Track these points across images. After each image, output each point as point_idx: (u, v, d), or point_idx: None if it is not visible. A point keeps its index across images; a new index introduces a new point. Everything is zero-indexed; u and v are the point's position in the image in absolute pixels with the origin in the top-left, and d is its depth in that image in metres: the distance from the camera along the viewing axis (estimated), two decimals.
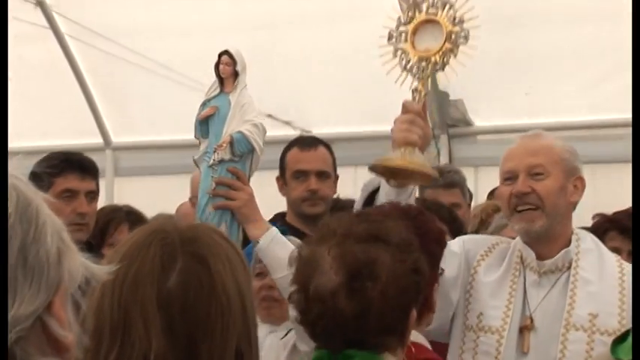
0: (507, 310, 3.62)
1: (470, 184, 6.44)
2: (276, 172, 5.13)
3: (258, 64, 7.56)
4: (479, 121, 7.48)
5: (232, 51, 4.35)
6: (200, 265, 1.87)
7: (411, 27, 3.49)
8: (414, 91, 3.41)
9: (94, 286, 1.77)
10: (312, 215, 4.83)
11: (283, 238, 3.76)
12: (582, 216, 5.75)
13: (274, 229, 3.80)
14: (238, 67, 4.21)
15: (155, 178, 8.00)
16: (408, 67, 3.44)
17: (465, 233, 4.77)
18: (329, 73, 7.49)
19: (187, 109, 7.77)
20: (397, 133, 3.52)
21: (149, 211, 5.62)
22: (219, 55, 4.34)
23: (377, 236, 2.39)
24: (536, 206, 3.66)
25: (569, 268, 3.68)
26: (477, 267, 3.72)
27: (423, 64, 3.41)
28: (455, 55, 3.39)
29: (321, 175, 4.96)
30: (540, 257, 3.69)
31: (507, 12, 6.94)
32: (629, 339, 3.02)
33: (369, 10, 7.10)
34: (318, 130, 7.38)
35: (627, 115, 6.81)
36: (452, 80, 7.18)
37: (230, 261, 1.91)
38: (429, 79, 3.37)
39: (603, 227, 4.92)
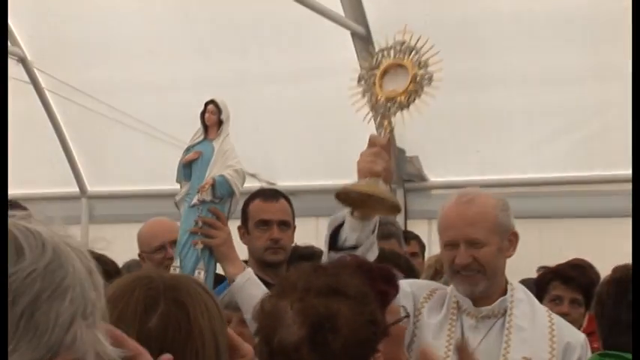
0: (448, 351, 3.64)
1: (423, 236, 6.46)
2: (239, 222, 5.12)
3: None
4: (433, 177, 7.51)
5: (218, 101, 4.39)
6: (180, 311, 1.90)
7: (379, 71, 3.52)
8: (379, 127, 3.43)
9: None
10: (273, 263, 4.82)
11: (257, 279, 3.76)
12: (529, 268, 5.80)
13: (250, 270, 3.82)
14: (223, 116, 4.25)
15: (128, 226, 7.95)
16: (376, 106, 3.47)
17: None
18: (293, 129, 7.52)
19: (159, 161, 7.83)
20: (362, 164, 3.50)
21: (122, 257, 5.58)
22: (206, 104, 4.37)
23: (336, 289, 2.36)
24: (477, 270, 3.69)
25: (503, 314, 3.74)
26: (422, 308, 3.75)
27: (389, 103, 3.45)
28: (419, 96, 3.43)
29: (283, 224, 4.95)
30: (477, 304, 3.73)
31: (460, 74, 7.00)
32: None
33: (333, 70, 7.15)
34: (282, 183, 7.38)
35: (571, 173, 6.92)
36: (409, 138, 7.29)
37: (208, 309, 1.93)
38: (394, 118, 3.39)
39: (547, 278, 4.99)
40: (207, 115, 4.32)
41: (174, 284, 1.95)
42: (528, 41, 6.78)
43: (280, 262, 4.83)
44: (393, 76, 3.55)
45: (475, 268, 3.68)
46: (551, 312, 3.91)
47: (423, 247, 6.34)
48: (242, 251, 5.18)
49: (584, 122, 6.84)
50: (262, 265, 4.88)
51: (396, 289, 2.94)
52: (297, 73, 7.28)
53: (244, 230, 5.01)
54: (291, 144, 7.62)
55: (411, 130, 7.30)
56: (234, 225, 5.18)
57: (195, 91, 7.54)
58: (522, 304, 3.80)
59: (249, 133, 7.60)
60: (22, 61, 7.76)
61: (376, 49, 3.60)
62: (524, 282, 5.70)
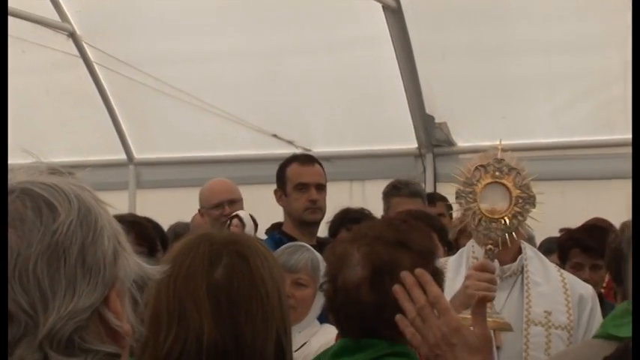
0: None
1: (451, 199, 6.44)
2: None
3: (265, 88, 7.60)
4: (461, 142, 7.48)
5: (242, 215, 4.66)
6: (242, 262, 1.95)
7: (479, 187, 3.33)
8: (488, 250, 3.28)
9: (151, 282, 1.83)
10: (312, 222, 4.91)
11: None
12: (552, 228, 5.78)
13: None
14: (246, 229, 4.48)
15: (172, 191, 8.00)
16: (478, 226, 3.27)
17: (448, 239, 4.92)
18: (327, 98, 7.50)
19: (201, 129, 7.86)
20: (477, 289, 3.21)
21: (168, 220, 5.62)
22: (231, 218, 4.67)
23: (403, 242, 2.42)
24: None
25: (521, 272, 3.82)
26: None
27: (494, 224, 3.28)
28: (524, 219, 3.29)
29: (320, 187, 5.01)
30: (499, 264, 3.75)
31: (487, 43, 6.95)
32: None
33: (365, 42, 7.13)
34: (318, 149, 7.38)
35: (593, 137, 6.87)
36: (438, 106, 7.26)
37: (267, 260, 1.99)
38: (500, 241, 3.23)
39: (568, 245, 4.97)
40: (231, 227, 4.55)
41: (234, 239, 2.01)
42: (551, 11, 6.72)
43: (318, 222, 5.00)
44: (489, 192, 3.38)
45: None
46: (560, 268, 4.04)
47: (449, 207, 6.34)
48: (277, 213, 5.21)
49: (605, 87, 6.78)
50: (301, 225, 4.96)
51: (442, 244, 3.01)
52: (331, 45, 7.26)
53: (281, 193, 5.05)
54: (326, 112, 7.61)
55: (440, 97, 7.29)
56: (264, 193, 5.21)
57: (235, 63, 7.56)
58: (534, 260, 3.88)
59: (286, 103, 7.61)
60: (72, 35, 7.77)
61: (470, 166, 3.32)
62: (547, 240, 5.71)
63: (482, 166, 3.40)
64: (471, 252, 3.89)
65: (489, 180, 3.33)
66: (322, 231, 5.23)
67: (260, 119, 7.67)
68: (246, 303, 1.91)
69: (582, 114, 6.89)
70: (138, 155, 8.33)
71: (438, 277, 2.45)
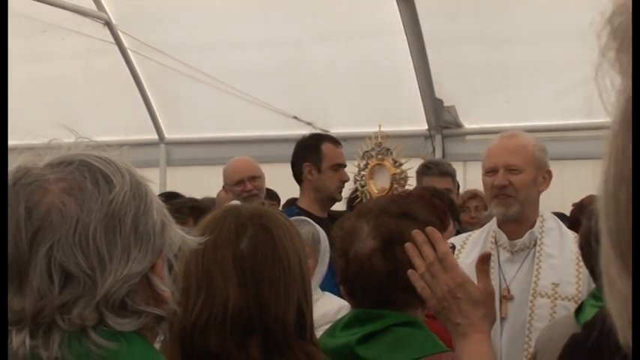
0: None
1: (459, 177, 6.43)
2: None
3: (286, 74, 7.60)
4: (468, 124, 7.46)
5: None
6: (266, 233, 1.95)
7: (368, 171, 3.68)
8: None
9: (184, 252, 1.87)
10: (338, 200, 4.97)
11: None
12: (554, 204, 5.77)
13: None
14: None
15: (200, 168, 8.02)
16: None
17: (457, 214, 4.94)
18: (345, 82, 7.49)
19: (226, 111, 7.86)
20: None
21: (195, 195, 5.63)
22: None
23: (407, 214, 2.43)
24: (511, 195, 3.67)
25: (534, 245, 3.70)
26: (459, 254, 3.73)
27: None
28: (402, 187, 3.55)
29: (345, 168, 5.03)
30: (511, 238, 3.71)
31: (493, 31, 6.92)
32: (587, 306, 3.04)
33: (379, 31, 7.11)
34: (335, 130, 7.39)
35: (592, 120, 6.83)
36: (446, 90, 7.24)
37: (290, 232, 1.99)
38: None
39: (579, 218, 4.94)
40: None
41: (259, 212, 2.00)
42: (554, 1, 6.67)
43: (341, 200, 5.07)
44: (377, 173, 3.68)
45: (510, 192, 3.66)
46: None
47: (457, 186, 6.34)
48: (296, 190, 5.20)
49: None
50: (328, 201, 4.95)
51: (446, 224, 2.99)
52: (348, 34, 7.24)
53: (313, 167, 4.98)
54: (343, 96, 7.60)
55: (449, 83, 7.27)
56: (284, 171, 5.20)
57: (258, 50, 7.55)
58: (553, 232, 3.74)
59: (306, 87, 7.60)
60: (108, 24, 7.78)
61: (360, 152, 3.78)
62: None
63: (367, 151, 3.68)
64: (492, 229, 3.81)
65: (374, 162, 3.63)
66: (337, 205, 5.23)
67: (281, 102, 7.66)
68: (270, 272, 1.91)
69: (581, 99, 6.85)
70: (168, 135, 8.35)
71: None
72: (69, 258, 1.30)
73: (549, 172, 3.81)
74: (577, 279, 3.61)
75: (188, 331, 1.90)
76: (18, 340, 1.29)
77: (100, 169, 1.36)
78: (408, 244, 2.16)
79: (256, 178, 5.43)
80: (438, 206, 2.90)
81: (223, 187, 5.65)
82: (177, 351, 1.90)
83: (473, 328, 2.07)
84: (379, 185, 3.70)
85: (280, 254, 1.93)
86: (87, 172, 1.35)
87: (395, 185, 3.65)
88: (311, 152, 5.02)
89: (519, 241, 3.70)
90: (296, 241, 1.99)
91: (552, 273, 3.64)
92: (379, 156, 3.73)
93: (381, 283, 2.36)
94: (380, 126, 3.77)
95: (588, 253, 3.02)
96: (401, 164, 3.67)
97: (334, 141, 5.11)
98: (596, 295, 3.00)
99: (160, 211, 1.41)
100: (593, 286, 3.58)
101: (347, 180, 4.88)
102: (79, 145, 1.41)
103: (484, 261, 2.16)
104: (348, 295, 2.49)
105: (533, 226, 3.73)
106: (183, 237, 1.46)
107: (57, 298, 1.30)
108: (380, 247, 2.37)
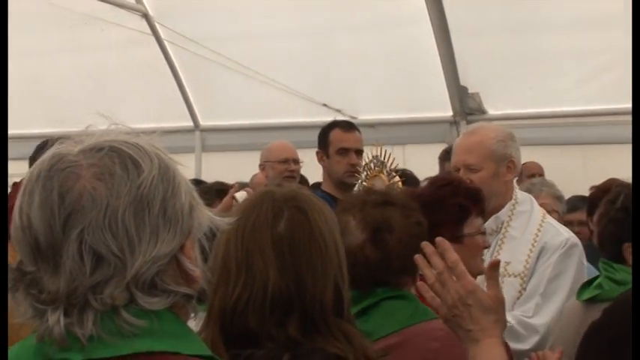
0: None
1: None
2: None
3: (316, 62, 7.59)
4: (492, 110, 7.41)
5: (238, 196, 4.55)
6: (302, 215, 1.94)
7: (369, 182, 3.77)
8: None
9: (221, 235, 1.89)
10: (351, 184, 4.85)
11: None
12: (573, 187, 5.73)
13: None
14: None
15: (233, 154, 8.04)
16: None
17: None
18: (372, 70, 7.47)
19: (258, 99, 7.87)
20: None
21: (229, 179, 5.65)
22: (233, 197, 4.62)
23: (387, 201, 2.50)
24: None
25: (500, 230, 3.69)
26: None
27: None
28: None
29: (358, 152, 4.96)
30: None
31: (516, 20, 6.87)
32: (593, 285, 3.02)
33: (405, 20, 7.08)
34: (363, 116, 7.38)
35: (615, 105, 6.76)
36: (470, 77, 7.20)
37: (324, 213, 1.98)
38: None
39: (597, 200, 4.89)
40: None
41: (293, 195, 1.99)
42: None
43: (355, 183, 4.89)
44: (377, 184, 3.71)
45: None
46: (547, 217, 3.76)
47: None
48: (317, 173, 5.22)
49: (626, 60, 6.66)
50: (340, 186, 4.93)
51: (479, 208, 3.00)
52: (376, 23, 7.21)
53: (323, 154, 5.02)
54: (370, 84, 7.57)
55: (473, 70, 7.22)
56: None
57: (289, 40, 7.54)
58: (523, 215, 3.71)
59: (334, 75, 7.59)
60: (145, 16, 7.81)
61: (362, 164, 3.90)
62: (573, 198, 5.61)
63: (366, 164, 3.74)
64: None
65: (374, 174, 3.69)
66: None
67: (311, 90, 7.65)
68: (307, 253, 1.91)
69: (602, 85, 6.79)
70: (203, 122, 8.37)
71: (423, 227, 2.52)
72: (99, 241, 1.31)
73: (513, 162, 3.74)
74: (527, 257, 3.59)
75: (229, 311, 1.90)
76: (53, 319, 1.31)
77: (129, 155, 1.36)
78: (417, 256, 2.16)
79: (298, 162, 5.52)
80: (462, 189, 2.91)
81: (261, 164, 5.65)
82: (218, 331, 1.90)
83: (485, 334, 2.04)
84: None
85: (316, 235, 1.93)
86: (116, 158, 1.36)
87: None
88: (321, 139, 5.06)
89: (485, 226, 3.69)
90: (330, 222, 1.98)
91: (508, 253, 3.61)
92: (376, 168, 3.80)
93: (375, 270, 2.42)
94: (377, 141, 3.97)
95: (609, 233, 2.99)
96: (394, 176, 3.75)
97: (344, 126, 5.11)
98: (609, 276, 2.96)
99: (188, 193, 1.41)
100: (540, 261, 3.52)
101: (356, 163, 4.79)
102: (111, 132, 1.41)
103: (494, 268, 2.13)
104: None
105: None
106: (212, 218, 1.47)
107: (88, 279, 1.31)
108: (370, 237, 2.43)
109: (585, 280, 3.22)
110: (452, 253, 2.11)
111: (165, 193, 1.37)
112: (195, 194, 1.44)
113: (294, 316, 1.88)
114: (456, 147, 3.79)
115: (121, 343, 1.31)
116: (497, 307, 2.07)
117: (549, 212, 4.77)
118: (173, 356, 1.34)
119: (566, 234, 3.68)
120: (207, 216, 1.45)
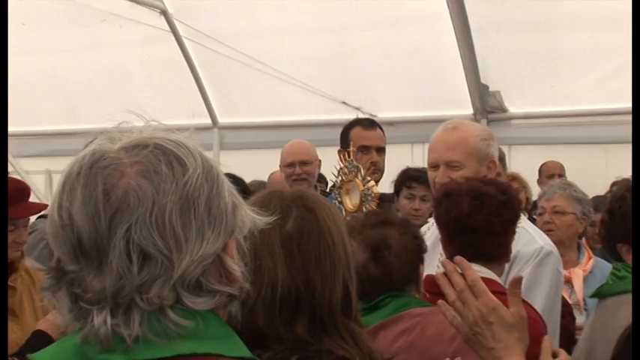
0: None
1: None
2: None
3: (334, 60, 7.59)
4: (512, 109, 7.40)
5: None
6: (310, 214, 1.95)
7: (344, 188, 3.81)
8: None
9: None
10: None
11: None
12: (595, 185, 5.71)
13: None
14: None
15: (251, 152, 8.06)
16: (345, 218, 3.59)
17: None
18: (392, 68, 7.47)
19: (276, 96, 7.88)
20: None
21: (247, 178, 5.66)
22: None
23: (384, 221, 2.71)
24: None
25: None
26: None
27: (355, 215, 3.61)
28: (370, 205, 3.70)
29: (380, 150, 4.93)
30: None
31: (537, 17, 6.85)
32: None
33: (424, 17, 7.07)
34: (382, 114, 7.37)
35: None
36: (492, 75, 7.19)
37: (332, 213, 1.99)
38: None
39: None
40: None
41: (301, 194, 2.00)
42: None
43: (376, 181, 4.84)
44: (352, 188, 3.79)
45: None
46: (523, 221, 3.40)
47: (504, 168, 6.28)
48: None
49: None
50: None
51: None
52: (396, 21, 7.21)
53: (344, 153, 5.00)
54: (390, 82, 7.57)
55: (494, 68, 7.20)
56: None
57: (308, 37, 7.55)
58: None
59: (354, 73, 7.59)
60: (164, 13, 7.83)
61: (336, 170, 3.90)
62: (595, 199, 5.59)
63: (341, 169, 3.71)
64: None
65: (349, 179, 3.68)
66: (386, 188, 5.21)
67: (331, 88, 7.66)
68: (316, 252, 1.91)
69: (625, 83, 6.75)
70: (221, 120, 8.39)
71: (419, 241, 2.72)
72: (146, 239, 1.30)
73: (494, 163, 3.55)
74: None
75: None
76: (99, 320, 1.29)
77: (173, 152, 1.35)
78: (438, 274, 2.17)
79: (307, 163, 5.38)
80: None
81: (280, 166, 5.66)
82: None
83: (507, 352, 2.02)
84: (354, 201, 3.82)
85: (325, 234, 1.93)
86: (161, 155, 1.34)
87: (363, 201, 3.75)
88: (342, 139, 5.02)
89: None
90: (338, 221, 1.99)
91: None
92: (351, 174, 3.77)
93: (379, 285, 2.62)
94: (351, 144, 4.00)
95: (612, 229, 2.98)
96: (368, 181, 3.74)
97: (365, 124, 5.05)
98: (617, 274, 2.95)
99: (230, 192, 1.40)
100: (512, 271, 3.35)
101: (376, 162, 4.74)
102: (148, 129, 1.41)
103: (516, 285, 2.11)
104: None
105: None
106: (254, 217, 1.46)
107: (136, 278, 1.30)
108: (370, 256, 2.62)
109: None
110: (472, 272, 2.10)
111: (210, 191, 1.35)
112: (237, 193, 1.43)
113: (303, 315, 1.88)
114: (437, 142, 3.60)
115: (166, 344, 1.30)
116: (520, 324, 2.05)
117: (563, 214, 4.71)
118: (216, 358, 1.33)
119: (540, 242, 3.44)
120: (250, 215, 1.44)
